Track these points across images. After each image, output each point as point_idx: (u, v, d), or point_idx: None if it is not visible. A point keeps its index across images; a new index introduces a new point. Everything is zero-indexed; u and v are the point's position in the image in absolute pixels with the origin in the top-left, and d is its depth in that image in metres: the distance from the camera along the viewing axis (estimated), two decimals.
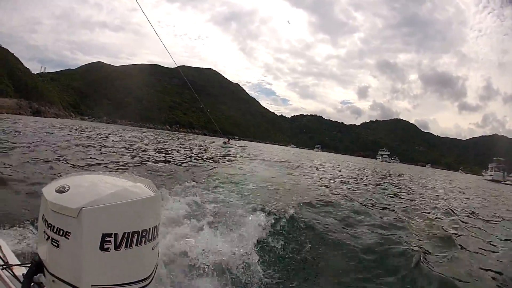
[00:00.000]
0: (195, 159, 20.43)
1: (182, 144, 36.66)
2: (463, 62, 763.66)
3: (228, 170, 16.49)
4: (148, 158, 17.58)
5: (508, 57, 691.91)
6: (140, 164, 14.35)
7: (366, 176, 27.89)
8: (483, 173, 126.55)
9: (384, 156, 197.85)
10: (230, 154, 30.64)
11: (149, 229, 1.63)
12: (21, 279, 1.64)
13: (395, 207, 11.97)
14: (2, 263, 1.73)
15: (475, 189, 33.01)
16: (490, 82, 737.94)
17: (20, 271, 1.69)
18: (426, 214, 11.39)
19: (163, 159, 18.07)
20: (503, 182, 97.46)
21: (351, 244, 6.92)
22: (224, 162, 21.68)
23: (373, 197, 13.63)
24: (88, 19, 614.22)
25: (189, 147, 32.54)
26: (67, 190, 1.54)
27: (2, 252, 1.80)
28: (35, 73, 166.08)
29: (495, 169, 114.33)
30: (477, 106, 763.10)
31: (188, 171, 13.73)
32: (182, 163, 17.05)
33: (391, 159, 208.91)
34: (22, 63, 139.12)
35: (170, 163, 16.12)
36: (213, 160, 20.20)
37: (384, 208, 11.29)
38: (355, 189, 15.70)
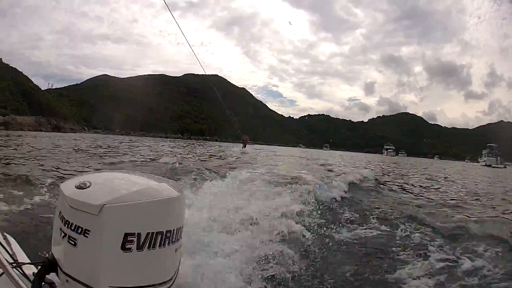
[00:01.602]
0: None
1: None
2: (465, 50, 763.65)
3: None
4: None
5: (509, 42, 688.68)
6: None
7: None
8: (478, 160, 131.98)
9: (389, 150, 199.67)
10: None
11: (173, 230, 1.57)
12: (32, 278, 1.59)
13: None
14: (12, 261, 1.65)
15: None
16: (494, 68, 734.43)
17: (31, 270, 1.65)
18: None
19: None
20: (493, 166, 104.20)
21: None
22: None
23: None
24: (90, 33, 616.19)
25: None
26: (88, 186, 1.49)
27: (11, 249, 1.77)
28: (43, 89, 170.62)
29: (489, 155, 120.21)
30: (483, 94, 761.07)
31: None
32: None
33: (399, 153, 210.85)
34: (32, 81, 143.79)
35: None
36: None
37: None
38: None
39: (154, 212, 1.50)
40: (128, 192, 1.47)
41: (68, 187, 1.52)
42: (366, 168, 21.50)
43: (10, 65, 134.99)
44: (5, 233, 1.88)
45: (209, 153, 32.06)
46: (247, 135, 51.30)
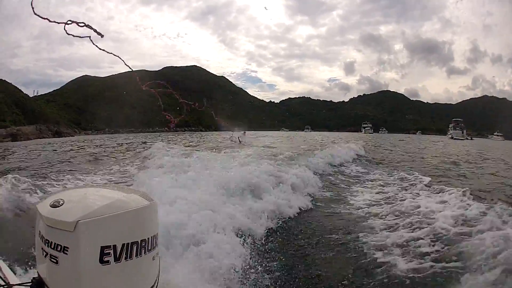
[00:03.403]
0: None
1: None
2: (446, 27, 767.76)
3: None
4: None
5: (492, 19, 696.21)
6: None
7: None
8: (447, 133, 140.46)
9: (366, 128, 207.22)
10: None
11: (148, 238, 1.62)
12: None
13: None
14: (3, 283, 1.71)
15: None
16: (477, 45, 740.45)
17: None
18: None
19: None
20: (454, 137, 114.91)
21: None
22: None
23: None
24: (66, 34, 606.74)
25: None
26: (62, 204, 1.52)
27: (2, 272, 1.82)
28: (31, 97, 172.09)
29: (455, 128, 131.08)
30: (466, 69, 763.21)
31: None
32: None
33: (379, 131, 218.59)
34: (22, 91, 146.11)
35: None
36: None
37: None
38: None
39: (127, 223, 1.54)
40: (100, 206, 1.50)
41: (43, 206, 1.56)
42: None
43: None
44: None
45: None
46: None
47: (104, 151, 29.47)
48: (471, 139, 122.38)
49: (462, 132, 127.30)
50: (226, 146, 30.50)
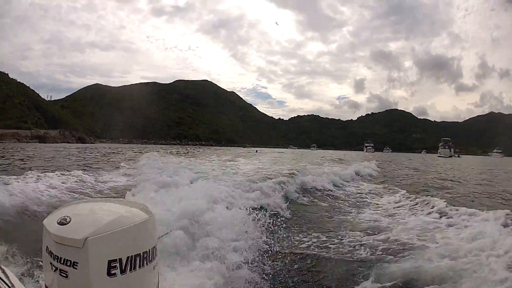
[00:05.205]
0: None
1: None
2: (454, 43, 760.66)
3: None
4: None
5: (499, 33, 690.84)
6: None
7: None
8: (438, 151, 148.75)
9: (368, 147, 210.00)
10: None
11: (149, 250, 1.69)
12: None
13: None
14: None
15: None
16: (485, 60, 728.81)
17: None
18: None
19: None
20: (439, 155, 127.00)
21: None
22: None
23: None
24: (78, 41, 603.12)
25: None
26: (69, 221, 1.57)
27: (10, 281, 1.84)
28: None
29: (445, 147, 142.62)
30: (474, 86, 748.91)
31: None
32: None
33: (383, 150, 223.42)
34: (39, 95, 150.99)
35: None
36: None
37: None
38: None
39: (131, 237, 1.63)
40: (106, 222, 1.57)
41: (50, 223, 1.61)
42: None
43: (18, 80, 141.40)
44: (2, 266, 2.00)
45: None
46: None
47: None
48: (458, 156, 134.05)
49: (450, 150, 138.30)
50: None
